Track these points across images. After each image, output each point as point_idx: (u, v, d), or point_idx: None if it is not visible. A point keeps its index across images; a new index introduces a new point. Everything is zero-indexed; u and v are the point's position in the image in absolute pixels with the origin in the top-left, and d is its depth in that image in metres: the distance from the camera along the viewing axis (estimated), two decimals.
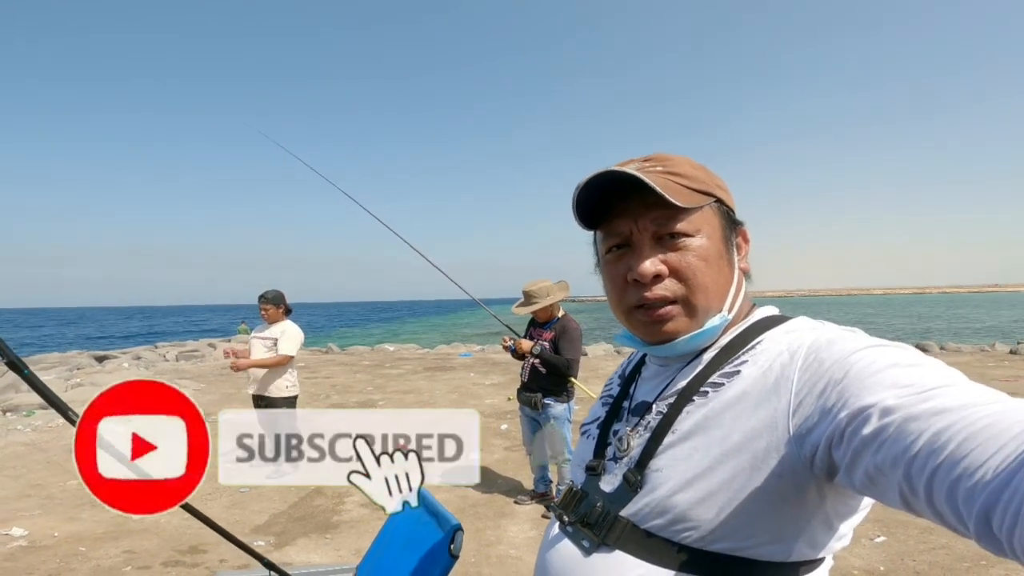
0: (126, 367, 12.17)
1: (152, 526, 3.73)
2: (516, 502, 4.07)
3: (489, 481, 4.55)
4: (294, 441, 4.99)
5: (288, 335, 4.67)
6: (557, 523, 0.79)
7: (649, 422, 0.74)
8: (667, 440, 0.69)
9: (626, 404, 0.83)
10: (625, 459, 0.74)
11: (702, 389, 0.70)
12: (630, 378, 0.87)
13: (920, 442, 0.48)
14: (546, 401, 3.75)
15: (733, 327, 0.75)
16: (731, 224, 0.77)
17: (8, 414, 7.67)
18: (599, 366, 10.79)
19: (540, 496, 4.08)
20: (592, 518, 0.72)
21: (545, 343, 3.79)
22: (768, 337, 0.70)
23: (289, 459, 4.94)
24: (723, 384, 0.69)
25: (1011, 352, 12.69)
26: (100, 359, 14.24)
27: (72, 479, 4.66)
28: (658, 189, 0.67)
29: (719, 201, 0.75)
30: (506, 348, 3.91)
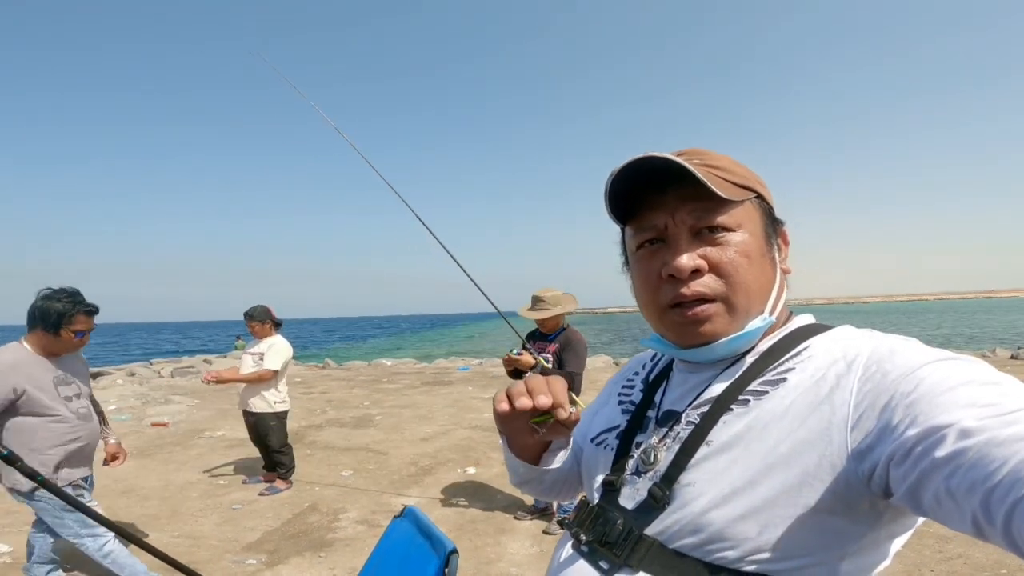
0: (120, 383, 12.00)
1: None
2: (516, 518, 3.96)
3: (488, 496, 4.44)
4: (285, 452, 4.83)
5: (274, 349, 4.62)
6: (570, 542, 0.72)
7: (679, 433, 0.68)
8: (700, 452, 0.64)
9: (651, 413, 0.75)
10: (650, 473, 0.68)
11: (741, 397, 0.64)
12: (655, 384, 0.79)
13: (1004, 471, 0.43)
14: None
15: (772, 333, 0.70)
16: (772, 222, 0.72)
17: None
18: (598, 378, 10.66)
19: (540, 512, 3.97)
20: (612, 537, 0.66)
21: (548, 356, 3.68)
22: (815, 344, 0.65)
23: (281, 475, 4.79)
24: (766, 392, 0.63)
25: (1012, 357, 12.61)
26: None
27: None
28: (702, 178, 0.62)
29: (760, 197, 0.70)
30: (510, 359, 3.67)
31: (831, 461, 0.56)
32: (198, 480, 5.07)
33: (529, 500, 4.15)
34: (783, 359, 0.65)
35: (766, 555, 0.58)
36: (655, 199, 0.68)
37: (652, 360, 0.86)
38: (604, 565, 0.66)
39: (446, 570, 1.62)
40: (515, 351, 3.63)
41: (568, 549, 0.73)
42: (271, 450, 4.70)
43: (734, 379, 0.67)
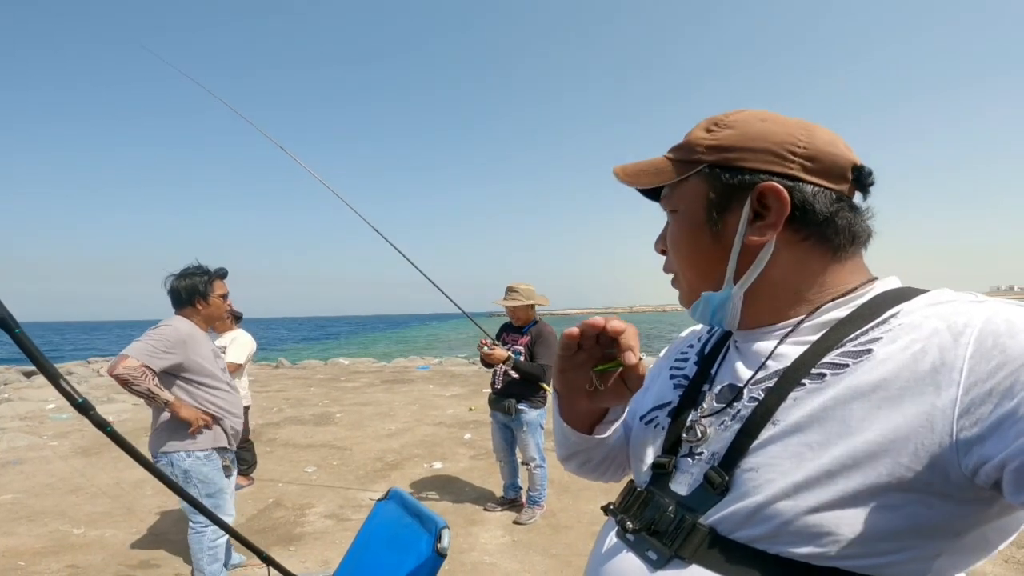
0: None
1: (96, 541, 3.47)
2: (486, 509, 4.00)
3: (456, 489, 4.46)
4: (247, 448, 4.79)
5: (238, 343, 4.51)
6: (615, 530, 0.67)
7: (739, 411, 0.61)
8: (766, 433, 0.57)
9: (706, 388, 0.69)
10: (705, 455, 0.62)
11: (815, 371, 0.57)
12: (711, 357, 0.73)
13: None
14: (520, 407, 3.71)
15: (837, 299, 0.62)
16: (728, 190, 0.63)
17: None
18: None
19: (510, 503, 4.03)
20: (662, 525, 0.61)
21: (520, 348, 3.76)
22: (907, 310, 0.56)
23: (242, 471, 4.73)
24: (847, 365, 0.55)
25: None
26: (28, 374, 13.25)
27: (3, 494, 4.30)
28: (617, 176, 0.70)
29: (715, 166, 0.63)
30: (483, 354, 3.73)
31: (931, 451, 0.48)
32: (151, 478, 4.87)
33: (498, 492, 4.20)
34: (866, 327, 0.57)
35: (845, 551, 0.51)
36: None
37: (708, 332, 0.79)
38: (652, 556, 0.60)
39: (439, 545, 1.65)
40: (486, 348, 3.68)
41: (612, 537, 0.67)
42: None
43: (805, 349, 0.59)
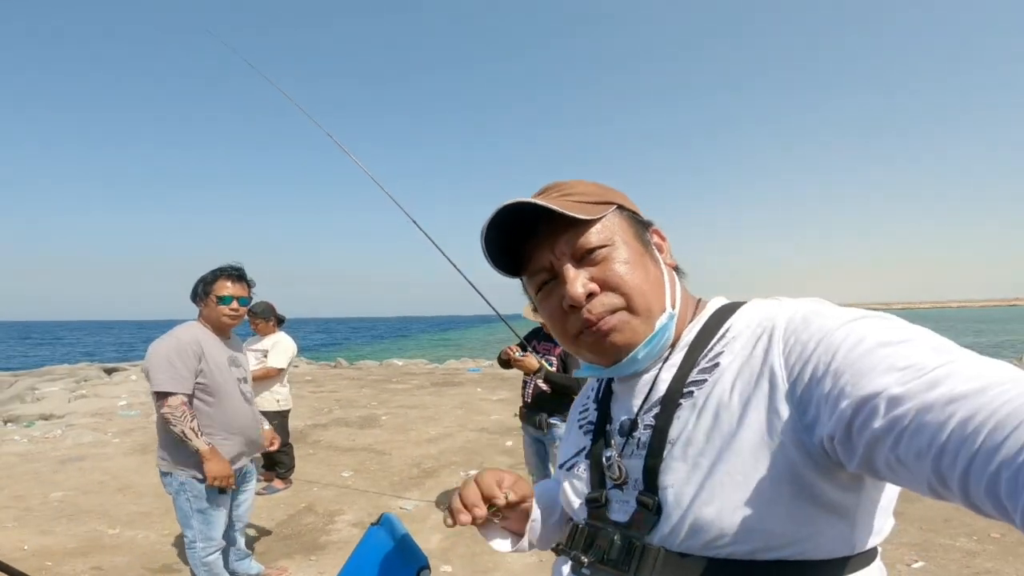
0: (134, 379, 12.05)
1: (127, 542, 3.53)
2: None
3: None
4: (286, 452, 4.73)
5: (280, 347, 4.53)
6: (568, 565, 0.70)
7: (640, 438, 0.67)
8: (667, 452, 0.63)
9: (611, 427, 0.75)
10: (629, 484, 0.67)
11: (686, 390, 0.65)
12: (605, 399, 0.80)
13: (943, 435, 0.44)
14: (551, 421, 3.46)
15: (690, 324, 0.72)
16: (641, 225, 0.75)
17: (8, 424, 7.57)
18: None
19: None
20: (613, 553, 0.65)
21: (553, 359, 3.51)
22: (734, 322, 0.67)
23: (280, 475, 4.69)
24: (705, 380, 0.64)
25: None
26: (109, 371, 14.19)
27: (56, 491, 4.49)
28: (555, 208, 0.66)
29: (620, 207, 0.74)
30: (504, 360, 3.50)
31: (791, 437, 0.55)
32: None
33: None
34: (711, 344, 0.66)
35: (776, 543, 0.56)
36: (534, 242, 0.71)
37: (598, 380, 0.87)
38: None
39: None
40: (518, 353, 3.45)
41: (566, 571, 0.70)
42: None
43: (674, 374, 0.67)
